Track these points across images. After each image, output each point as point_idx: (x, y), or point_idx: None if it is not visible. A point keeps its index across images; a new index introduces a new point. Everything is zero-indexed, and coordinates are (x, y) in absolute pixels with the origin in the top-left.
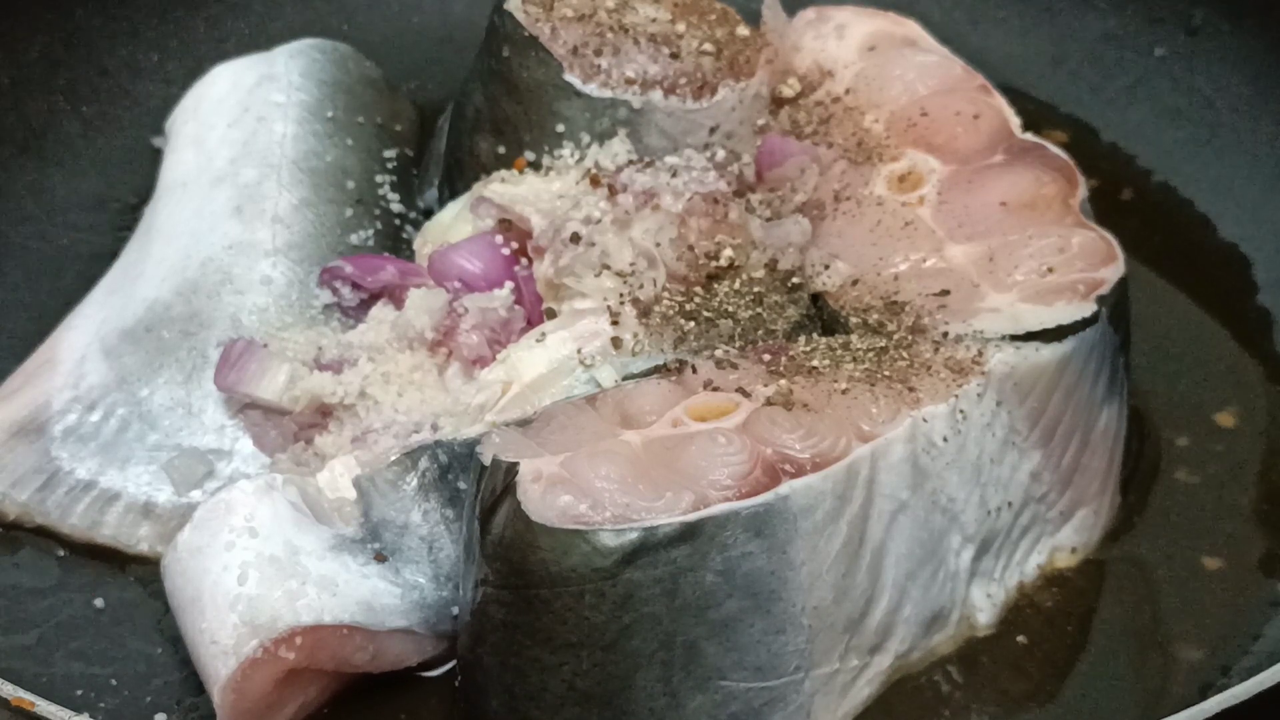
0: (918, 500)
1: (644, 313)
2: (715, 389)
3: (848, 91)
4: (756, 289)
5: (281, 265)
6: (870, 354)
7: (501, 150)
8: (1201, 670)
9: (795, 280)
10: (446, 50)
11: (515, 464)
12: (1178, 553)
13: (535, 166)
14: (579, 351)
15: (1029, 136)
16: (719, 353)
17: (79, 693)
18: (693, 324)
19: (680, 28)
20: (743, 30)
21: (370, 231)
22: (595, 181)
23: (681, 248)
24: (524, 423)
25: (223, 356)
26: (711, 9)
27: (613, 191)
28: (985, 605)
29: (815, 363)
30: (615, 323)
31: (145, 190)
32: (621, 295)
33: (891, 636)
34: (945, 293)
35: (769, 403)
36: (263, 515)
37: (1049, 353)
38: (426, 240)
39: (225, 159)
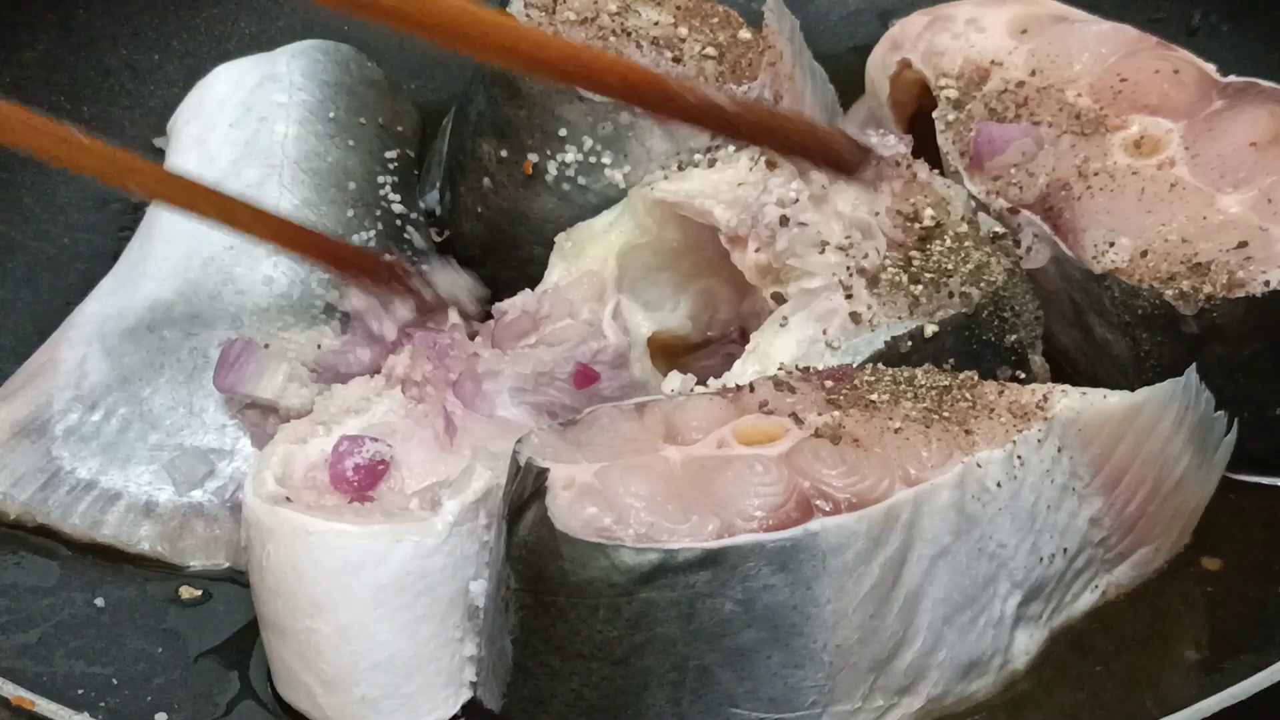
0: (962, 546)
1: (872, 282)
2: (769, 411)
3: (1033, 73)
4: (967, 243)
5: (283, 265)
6: (932, 392)
7: (504, 153)
8: (1201, 670)
9: (996, 230)
10: (448, 51)
11: (546, 469)
12: (1178, 553)
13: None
14: (824, 333)
15: (1232, 78)
16: (780, 374)
17: (79, 692)
18: (920, 287)
19: (682, 31)
20: (745, 34)
21: (372, 232)
22: (773, 164)
23: (893, 213)
24: (568, 424)
25: (221, 357)
26: (714, 12)
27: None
28: (1029, 648)
29: (874, 396)
30: (849, 296)
31: None
32: (848, 268)
33: (923, 679)
34: (1244, 244)
35: (817, 434)
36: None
37: (1116, 400)
38: (576, 247)
39: (227, 159)
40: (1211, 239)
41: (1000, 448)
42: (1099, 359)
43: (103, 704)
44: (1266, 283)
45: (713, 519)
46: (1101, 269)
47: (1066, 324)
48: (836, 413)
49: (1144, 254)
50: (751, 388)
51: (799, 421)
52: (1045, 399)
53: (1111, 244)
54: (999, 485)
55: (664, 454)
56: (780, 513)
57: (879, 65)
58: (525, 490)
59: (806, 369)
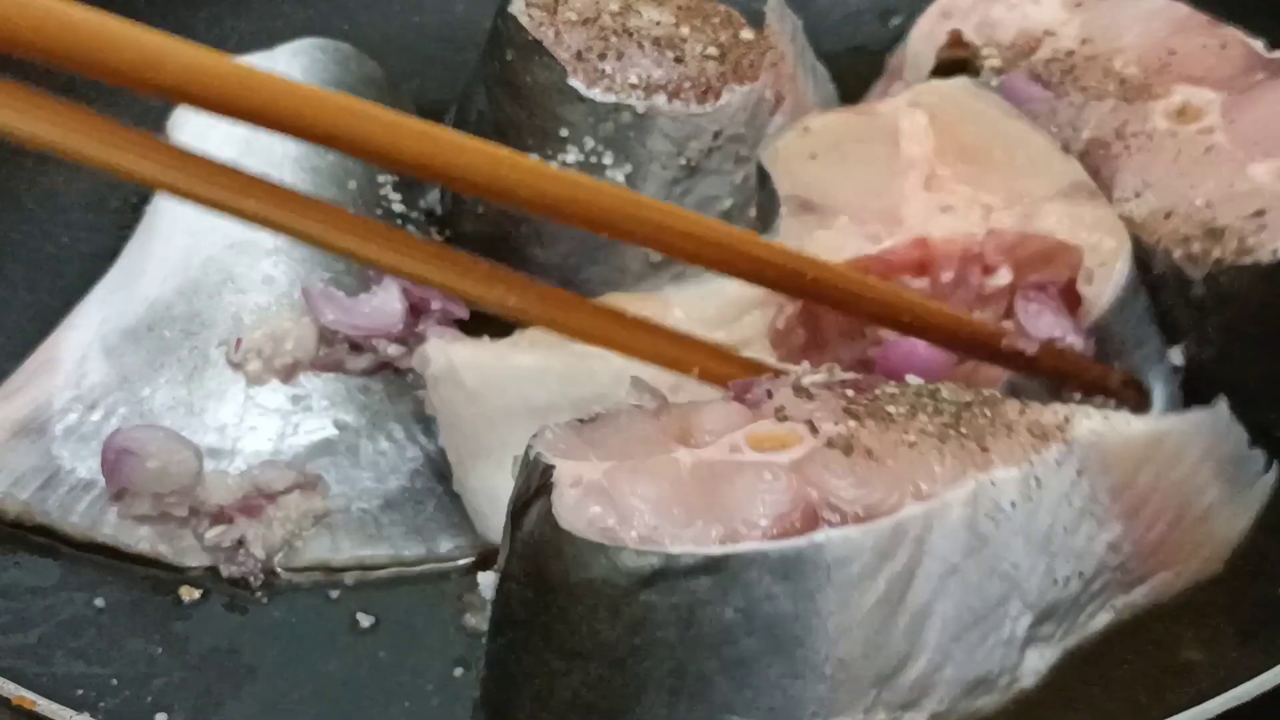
0: (973, 564)
1: None
2: (785, 418)
3: (1083, 43)
4: None
5: (283, 264)
6: (952, 407)
7: None
8: (1201, 671)
9: None
10: (448, 50)
11: (553, 465)
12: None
13: None
14: None
15: (1279, 54)
16: (800, 380)
17: (79, 692)
18: None
19: (684, 31)
20: (746, 34)
21: None
22: None
23: None
24: (586, 422)
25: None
26: (715, 12)
27: None
28: (1039, 667)
29: (892, 409)
30: None
31: (147, 189)
32: None
33: (928, 696)
34: (1261, 212)
35: (830, 444)
36: None
37: (1140, 426)
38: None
39: (226, 157)
40: (1233, 205)
41: (1016, 467)
42: None
43: (103, 704)
44: (1275, 251)
45: (717, 525)
46: (1121, 214)
47: None
48: (852, 423)
49: (1168, 215)
50: (769, 393)
51: (814, 430)
52: (1067, 420)
53: (1138, 194)
54: (1013, 505)
55: (675, 455)
56: (786, 522)
57: (926, 37)
58: (531, 485)
59: (830, 377)
